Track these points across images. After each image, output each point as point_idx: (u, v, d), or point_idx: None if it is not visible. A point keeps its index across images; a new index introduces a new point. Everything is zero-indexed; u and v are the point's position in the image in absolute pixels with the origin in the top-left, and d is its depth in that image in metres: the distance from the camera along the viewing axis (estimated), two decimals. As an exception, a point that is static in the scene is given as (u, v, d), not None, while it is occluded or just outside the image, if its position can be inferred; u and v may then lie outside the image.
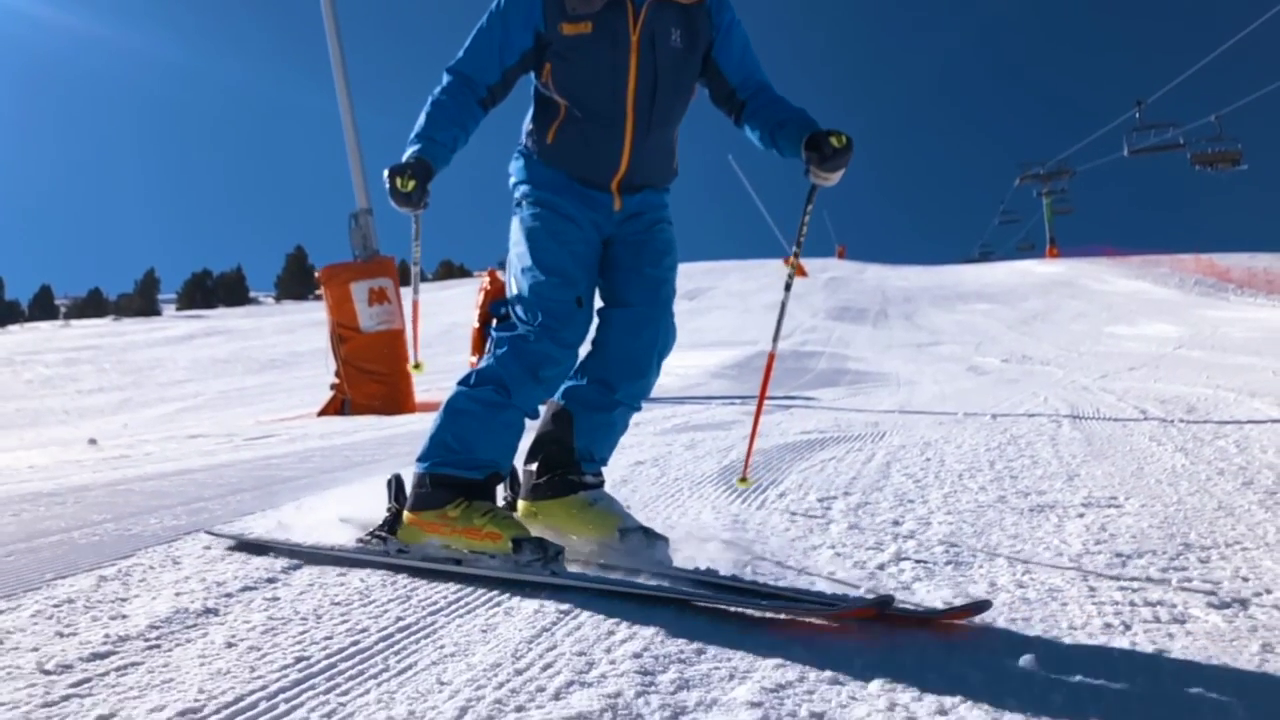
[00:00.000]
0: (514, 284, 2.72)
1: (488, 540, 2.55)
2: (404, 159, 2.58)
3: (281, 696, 1.70)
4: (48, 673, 1.84)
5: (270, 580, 2.54)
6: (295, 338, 35.53)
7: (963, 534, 2.98)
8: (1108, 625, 2.07)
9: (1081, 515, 3.20)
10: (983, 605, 2.11)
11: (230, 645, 2.00)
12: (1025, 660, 1.83)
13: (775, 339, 2.93)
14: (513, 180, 2.82)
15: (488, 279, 12.85)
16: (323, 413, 12.09)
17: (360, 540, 2.76)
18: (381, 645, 1.98)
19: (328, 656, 1.91)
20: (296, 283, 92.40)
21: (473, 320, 12.66)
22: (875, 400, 9.07)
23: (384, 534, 2.72)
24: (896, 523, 3.17)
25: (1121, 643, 1.96)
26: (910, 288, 36.85)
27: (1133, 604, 2.22)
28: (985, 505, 3.42)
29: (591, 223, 2.73)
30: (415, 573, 2.55)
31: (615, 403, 2.82)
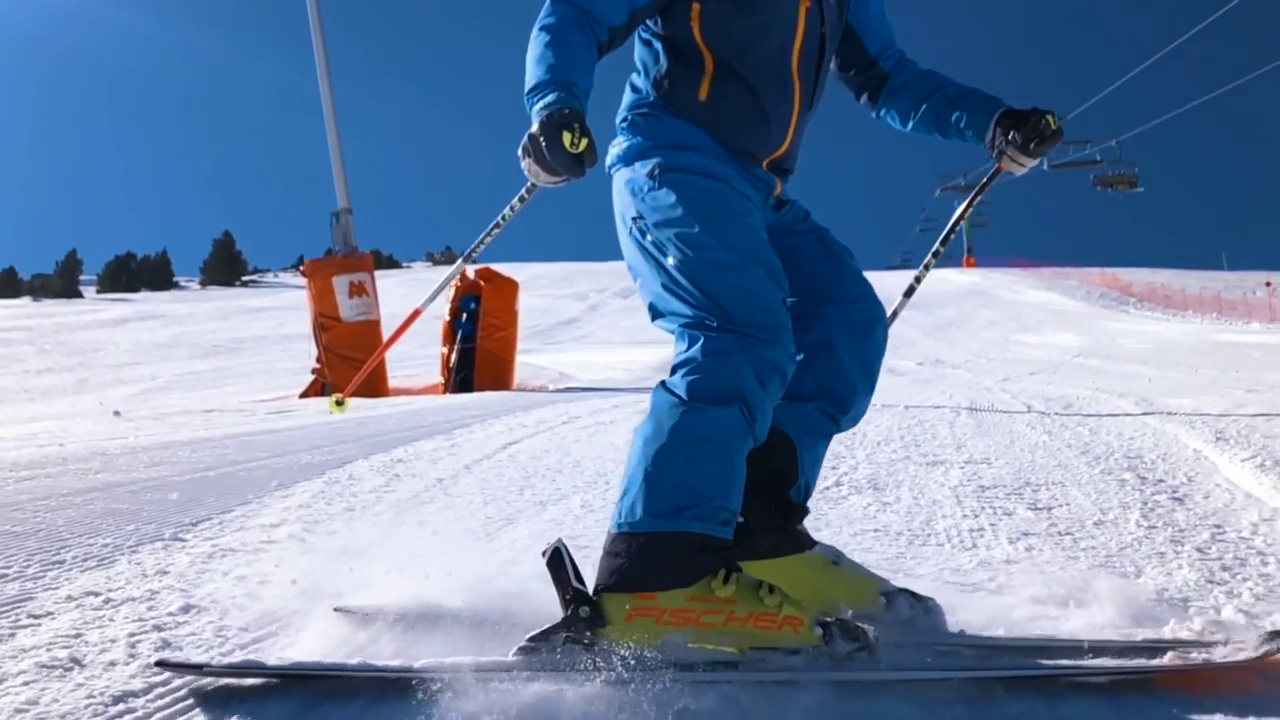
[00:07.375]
0: (683, 277, 1.97)
1: (787, 628, 1.83)
2: (551, 111, 1.81)
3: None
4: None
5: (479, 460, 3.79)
6: (232, 324, 35.96)
7: (879, 475, 4.34)
8: (964, 515, 3.44)
9: (962, 468, 4.58)
10: None
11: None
12: (906, 526, 3.18)
13: None
14: (637, 140, 2.13)
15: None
16: (305, 394, 13.15)
17: (524, 648, 1.82)
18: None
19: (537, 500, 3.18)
20: (224, 269, 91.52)
21: (443, 314, 13.86)
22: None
23: (582, 635, 1.81)
24: (833, 468, 4.52)
25: (972, 523, 3.32)
26: (836, 293, 38.65)
27: (984, 508, 3.58)
28: (896, 461, 4.79)
29: (759, 207, 2.15)
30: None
31: (838, 424, 2.23)
